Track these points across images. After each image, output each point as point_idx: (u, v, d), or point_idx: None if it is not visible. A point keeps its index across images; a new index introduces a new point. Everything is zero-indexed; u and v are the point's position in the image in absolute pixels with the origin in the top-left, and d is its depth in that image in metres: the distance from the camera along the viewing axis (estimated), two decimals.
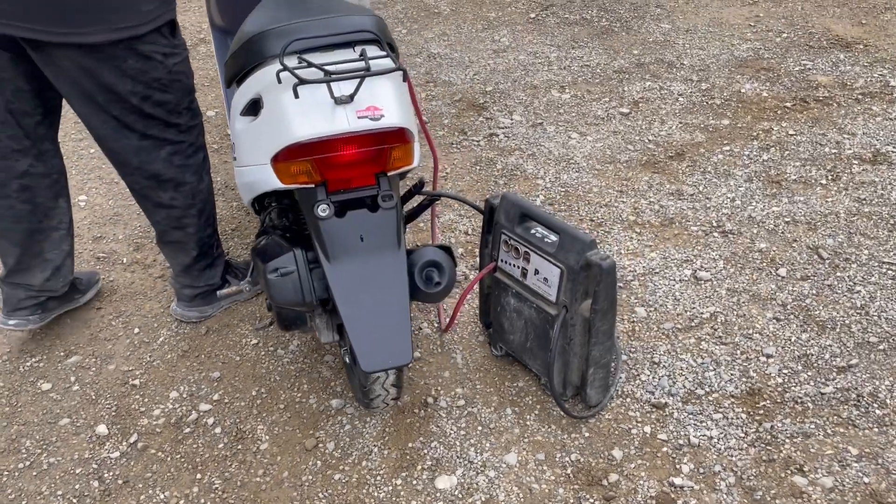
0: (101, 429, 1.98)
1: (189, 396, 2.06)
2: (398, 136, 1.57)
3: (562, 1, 4.28)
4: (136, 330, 2.28)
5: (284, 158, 1.55)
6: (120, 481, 1.84)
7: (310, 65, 1.51)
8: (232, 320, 2.28)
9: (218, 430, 1.95)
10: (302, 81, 1.45)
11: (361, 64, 1.53)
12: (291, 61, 1.54)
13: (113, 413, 2.02)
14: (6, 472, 1.88)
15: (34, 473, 1.87)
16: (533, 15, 4.15)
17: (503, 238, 1.94)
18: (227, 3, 2.42)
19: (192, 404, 2.03)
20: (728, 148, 2.94)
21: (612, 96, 3.35)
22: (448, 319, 2.16)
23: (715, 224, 2.55)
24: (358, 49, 1.61)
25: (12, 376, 2.15)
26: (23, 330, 2.19)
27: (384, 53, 1.59)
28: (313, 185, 1.59)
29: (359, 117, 1.52)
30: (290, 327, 1.84)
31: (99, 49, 1.70)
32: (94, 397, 2.07)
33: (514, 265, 1.93)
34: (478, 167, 2.93)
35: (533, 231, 1.87)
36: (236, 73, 1.78)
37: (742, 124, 3.09)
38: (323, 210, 1.58)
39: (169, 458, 1.89)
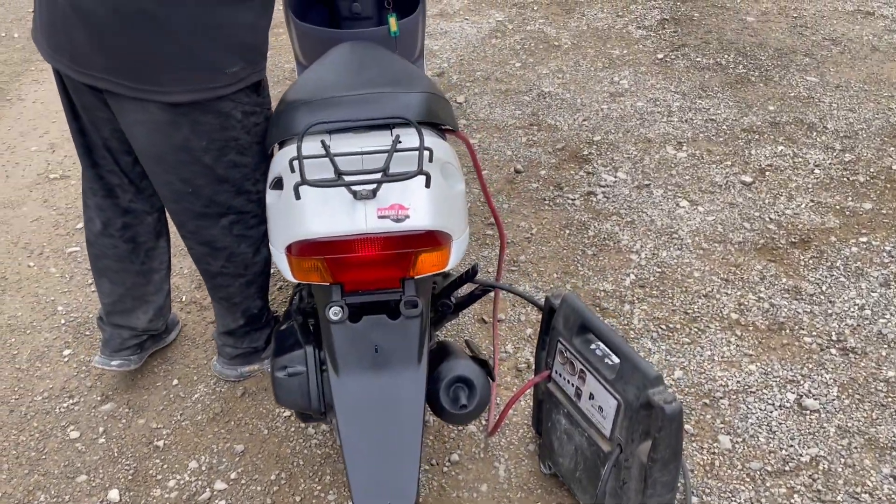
0: (114, 495, 1.87)
1: (207, 470, 1.91)
2: (427, 240, 1.35)
3: (696, 41, 3.89)
4: (175, 381, 2.17)
5: (296, 253, 1.36)
6: None
7: (327, 154, 1.30)
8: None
9: None
10: (304, 182, 1.25)
11: (382, 163, 1.31)
12: (314, 143, 1.35)
13: (129, 477, 1.91)
14: None
15: None
16: (661, 55, 3.79)
17: (559, 347, 1.66)
18: (309, 43, 2.29)
19: (208, 480, 1.89)
20: (866, 239, 2.51)
21: (736, 160, 2.96)
22: (495, 420, 1.90)
23: (835, 337, 2.14)
24: (395, 133, 1.40)
25: (47, 418, 2.09)
26: (125, 370, 2.12)
27: (416, 147, 1.35)
28: (328, 283, 1.39)
29: (379, 217, 1.30)
30: (307, 420, 1.66)
31: (177, 106, 1.59)
32: (116, 454, 1.97)
33: (568, 381, 1.65)
34: (567, 231, 2.65)
35: (593, 347, 1.59)
36: (271, 141, 1.61)
37: (888, 210, 2.63)
38: (335, 313, 1.38)
39: None
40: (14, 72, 4.03)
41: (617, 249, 2.55)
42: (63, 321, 2.40)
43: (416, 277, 1.41)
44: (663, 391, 1.44)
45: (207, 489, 1.87)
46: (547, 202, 2.81)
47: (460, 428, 1.97)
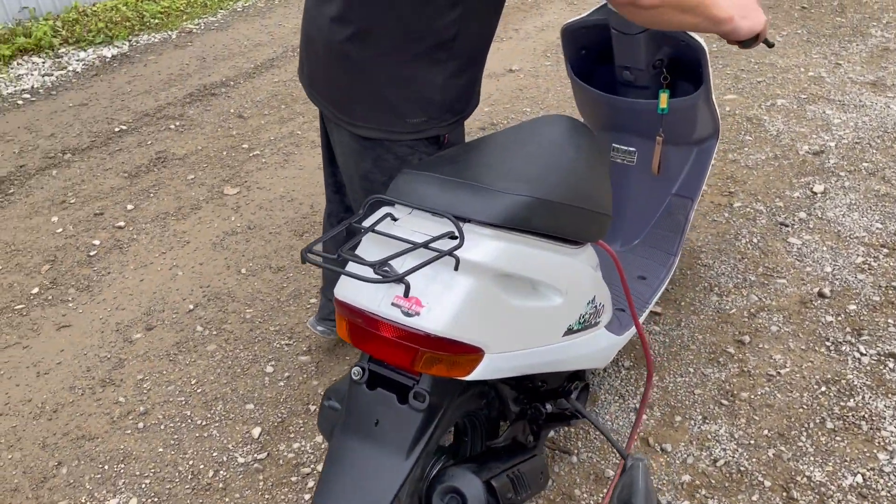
0: (256, 432, 2.16)
1: (314, 451, 2.09)
2: (437, 344, 1.26)
3: None
4: None
5: (336, 308, 1.40)
6: None
7: (373, 228, 1.30)
8: None
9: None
10: (310, 248, 1.24)
11: (406, 251, 1.25)
12: (383, 216, 1.35)
13: (275, 424, 2.19)
14: None
15: None
16: None
17: None
18: (582, 100, 2.23)
19: (315, 459, 2.06)
20: None
21: None
22: None
23: None
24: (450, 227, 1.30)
25: (265, 347, 2.48)
26: (325, 337, 2.45)
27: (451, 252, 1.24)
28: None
29: (392, 304, 1.27)
30: None
31: (364, 139, 1.74)
32: (281, 400, 2.26)
33: None
34: (824, 387, 2.15)
35: None
36: None
37: None
38: (356, 373, 1.40)
39: None
40: None
41: (866, 437, 2.00)
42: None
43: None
44: None
45: (312, 468, 2.05)
46: (829, 344, 2.31)
47: None
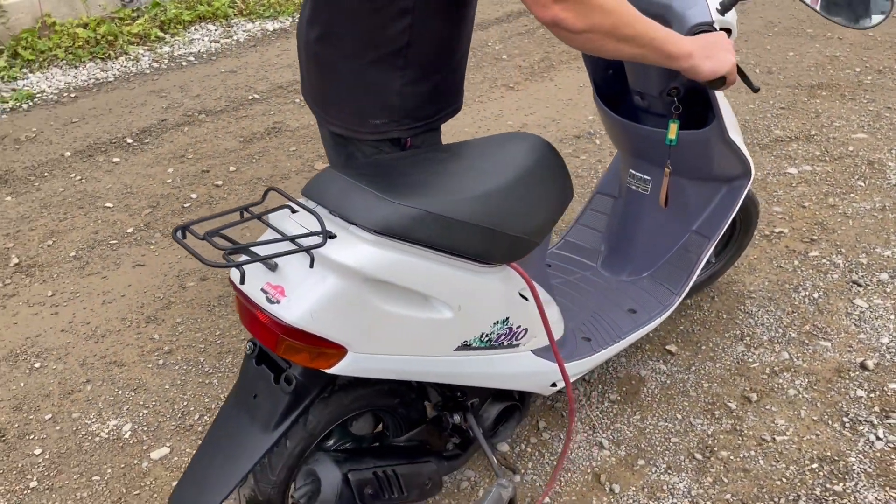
0: None
1: None
2: (294, 333, 1.35)
3: None
4: None
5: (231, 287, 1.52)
6: None
7: (259, 217, 1.40)
8: None
9: None
10: (187, 227, 1.35)
11: (278, 242, 1.34)
12: (282, 206, 1.45)
13: None
14: None
15: None
16: None
17: None
18: (604, 123, 2.19)
19: None
20: None
21: None
22: None
23: None
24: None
25: None
26: None
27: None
28: None
29: (261, 289, 1.37)
30: None
31: (338, 136, 1.85)
32: None
33: None
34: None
35: None
36: None
37: None
38: (248, 348, 1.52)
39: None
40: None
41: None
42: None
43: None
44: None
45: None
46: (846, 420, 2.10)
47: None
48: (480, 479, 2.00)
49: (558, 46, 4.69)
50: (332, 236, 1.35)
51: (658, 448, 2.06)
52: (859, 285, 2.60)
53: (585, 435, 2.11)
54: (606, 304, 2.11)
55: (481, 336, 1.56)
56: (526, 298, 1.65)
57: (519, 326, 1.64)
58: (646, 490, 1.95)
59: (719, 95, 1.94)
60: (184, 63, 4.71)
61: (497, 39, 4.92)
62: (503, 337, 1.61)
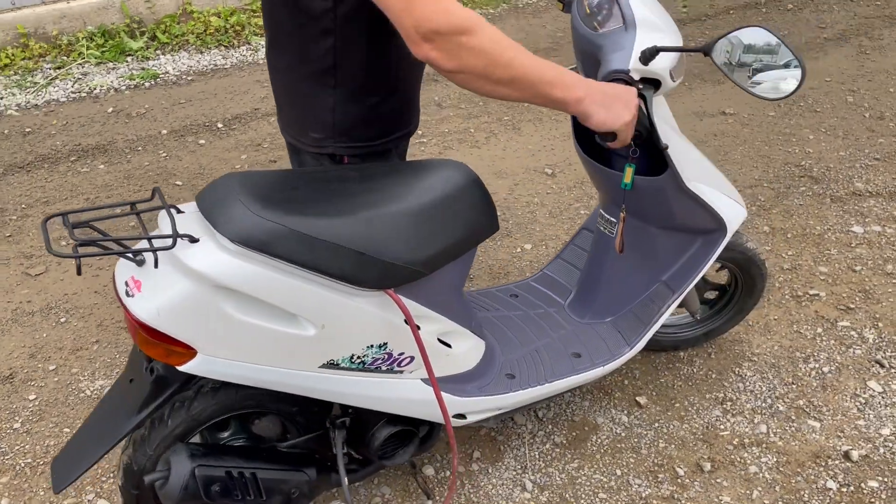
0: None
1: None
2: (150, 330, 1.44)
3: None
4: None
5: None
6: None
7: (138, 213, 1.50)
8: None
9: None
10: (63, 213, 1.46)
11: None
12: (167, 205, 1.54)
13: None
14: None
15: None
16: None
17: None
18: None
19: None
20: None
21: None
22: None
23: None
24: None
25: None
26: None
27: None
28: None
29: (124, 281, 1.47)
30: None
31: (289, 143, 1.93)
32: None
33: None
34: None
35: None
36: None
37: None
38: None
39: None
40: None
41: None
42: None
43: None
44: None
45: None
46: None
47: None
48: (395, 496, 2.01)
49: None
50: (195, 240, 1.43)
51: (582, 501, 1.98)
52: (882, 366, 2.34)
53: (513, 473, 2.06)
54: (554, 344, 2.04)
55: (352, 357, 1.58)
56: (418, 327, 1.65)
57: (402, 353, 1.64)
58: None
59: (681, 143, 1.83)
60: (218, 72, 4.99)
61: None
62: (380, 362, 1.62)
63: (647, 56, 1.55)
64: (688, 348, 2.43)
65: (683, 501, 1.97)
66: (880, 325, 2.50)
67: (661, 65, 1.59)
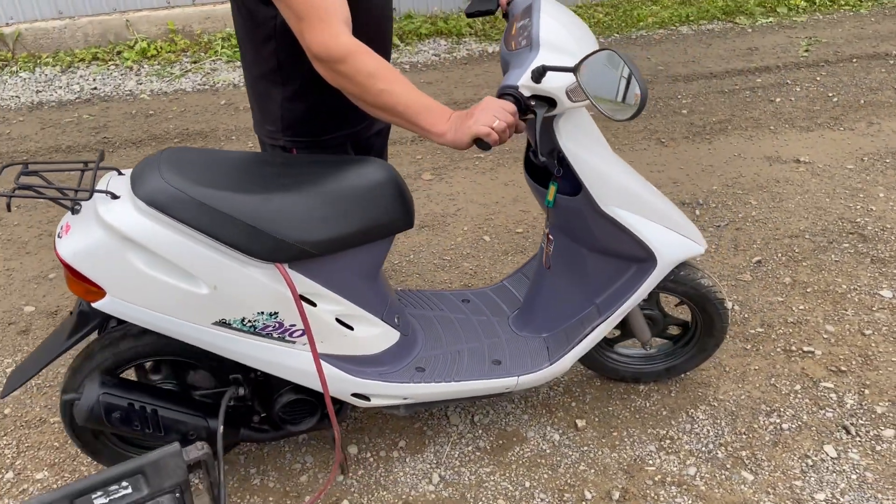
0: None
1: None
2: (71, 268, 1.71)
3: None
4: None
5: None
6: None
7: (82, 170, 1.78)
8: None
9: None
10: (23, 163, 1.76)
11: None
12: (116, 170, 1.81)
13: None
14: None
15: None
16: None
17: None
18: None
19: None
20: None
21: None
22: None
23: None
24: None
25: None
26: None
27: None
28: None
29: (60, 225, 1.75)
30: None
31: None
32: None
33: None
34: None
35: None
36: None
37: None
38: None
39: None
40: None
41: None
42: None
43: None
44: None
45: None
46: None
47: None
48: (316, 464, 2.17)
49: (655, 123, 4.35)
50: (116, 197, 1.68)
51: (480, 503, 2.04)
52: (848, 432, 2.20)
53: (426, 466, 2.16)
54: (479, 349, 2.12)
55: (243, 320, 1.77)
56: (314, 304, 1.81)
57: (293, 325, 1.81)
58: None
59: (608, 167, 1.86)
60: (397, 69, 5.29)
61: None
62: (271, 329, 1.79)
63: (538, 74, 1.62)
64: (649, 382, 2.40)
65: None
66: (866, 391, 2.34)
67: (554, 84, 1.66)
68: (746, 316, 2.69)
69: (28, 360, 1.91)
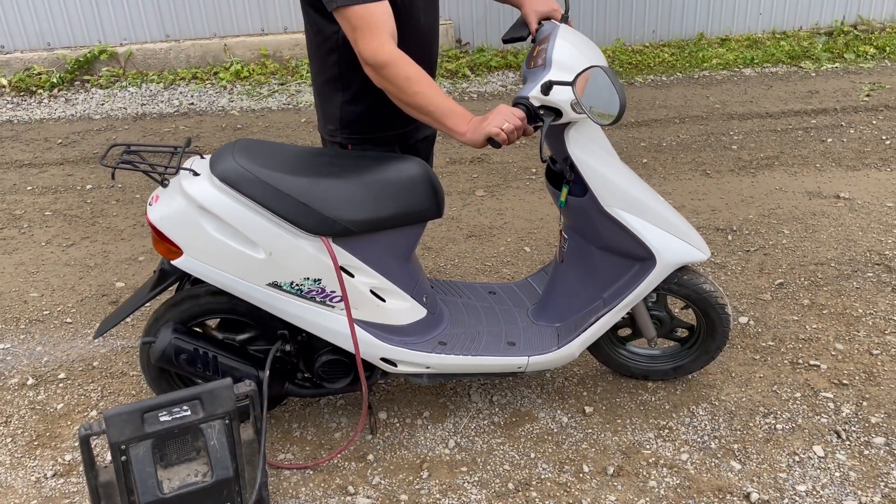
0: None
1: None
2: (158, 231, 2.09)
3: None
4: None
5: None
6: None
7: (173, 152, 2.16)
8: None
9: None
10: (124, 144, 2.15)
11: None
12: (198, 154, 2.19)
13: None
14: None
15: None
16: None
17: None
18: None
19: None
20: None
21: None
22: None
23: None
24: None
25: None
26: None
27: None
28: None
29: (153, 195, 2.14)
30: None
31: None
32: None
33: None
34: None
35: None
36: None
37: None
38: None
39: None
40: None
41: None
42: None
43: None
44: None
45: None
46: None
47: None
48: (350, 425, 2.48)
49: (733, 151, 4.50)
50: (197, 174, 2.06)
51: (487, 466, 2.30)
52: (839, 436, 2.36)
53: (445, 434, 2.43)
54: (497, 332, 2.40)
55: (291, 283, 2.10)
56: (352, 275, 2.14)
57: (333, 291, 2.13)
58: (447, 490, 2.23)
59: (614, 173, 2.13)
60: (466, 97, 5.65)
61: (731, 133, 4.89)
62: (314, 293, 2.12)
63: (546, 88, 1.92)
64: (657, 380, 2.61)
65: (574, 491, 2.21)
66: (864, 403, 2.49)
67: (560, 97, 1.95)
68: (760, 330, 2.87)
69: (116, 310, 2.30)
